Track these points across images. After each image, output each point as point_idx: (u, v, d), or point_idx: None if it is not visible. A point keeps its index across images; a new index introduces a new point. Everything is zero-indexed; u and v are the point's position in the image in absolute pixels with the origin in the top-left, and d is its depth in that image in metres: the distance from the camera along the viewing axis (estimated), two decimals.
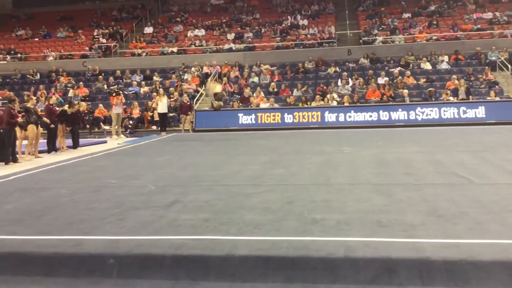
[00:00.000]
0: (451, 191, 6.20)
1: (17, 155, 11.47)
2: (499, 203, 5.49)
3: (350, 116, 18.35)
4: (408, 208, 5.43)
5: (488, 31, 23.62)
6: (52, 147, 13.05)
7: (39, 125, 12.16)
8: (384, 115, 18.16)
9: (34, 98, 13.68)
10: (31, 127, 11.69)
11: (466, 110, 17.71)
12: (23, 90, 21.88)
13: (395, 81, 20.44)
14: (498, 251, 3.95)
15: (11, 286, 4.07)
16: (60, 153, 12.99)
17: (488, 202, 5.59)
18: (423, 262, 3.85)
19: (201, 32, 27.02)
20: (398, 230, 4.59)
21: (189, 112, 18.68)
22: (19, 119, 11.35)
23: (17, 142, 11.72)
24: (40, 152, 12.50)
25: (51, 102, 13.53)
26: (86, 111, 16.81)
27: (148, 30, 28.16)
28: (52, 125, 12.90)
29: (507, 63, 20.90)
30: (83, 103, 16.62)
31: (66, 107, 14.08)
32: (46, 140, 13.15)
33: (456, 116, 17.68)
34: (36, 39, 29.02)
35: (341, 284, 3.80)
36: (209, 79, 22.31)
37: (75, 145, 14.14)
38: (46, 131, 13.12)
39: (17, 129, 11.53)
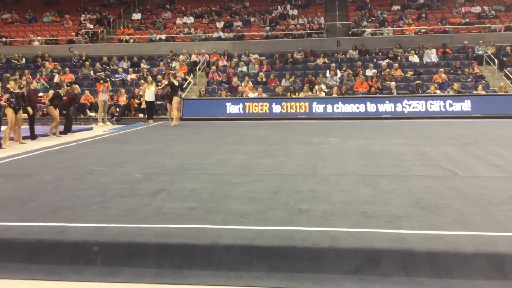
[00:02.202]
0: (436, 183, 6.26)
1: (2, 141, 11.32)
2: (484, 196, 5.55)
3: (337, 108, 18.39)
4: (393, 199, 5.47)
5: (476, 25, 23.77)
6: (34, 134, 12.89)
7: (20, 110, 11.92)
8: (371, 107, 18.24)
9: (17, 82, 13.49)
10: (10, 111, 11.44)
11: (452, 103, 17.86)
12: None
13: (383, 73, 20.51)
14: (482, 243, 3.99)
15: None
16: (40, 139, 12.84)
17: (472, 195, 5.64)
18: (407, 253, 3.89)
19: (190, 20, 26.79)
20: (382, 221, 4.62)
21: None
22: (2, 102, 11.14)
23: (2, 127, 11.57)
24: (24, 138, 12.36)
25: (31, 87, 13.28)
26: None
27: (136, 16, 27.85)
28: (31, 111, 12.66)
29: (494, 58, 21.07)
30: (77, 86, 16.45)
31: (61, 91, 14.06)
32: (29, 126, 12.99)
33: (443, 109, 17.82)
34: (22, 23, 28.54)
35: (326, 274, 3.82)
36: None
37: (68, 130, 14.06)
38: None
39: (9, 113, 11.39)
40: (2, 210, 5.27)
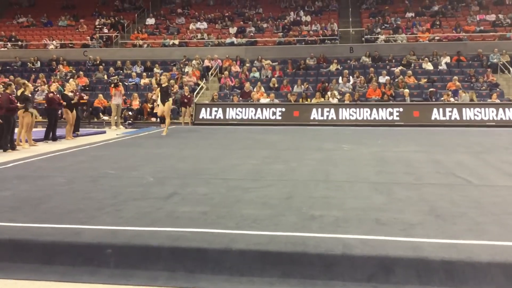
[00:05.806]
0: (450, 192, 6.20)
1: (16, 143, 11.44)
2: (498, 205, 5.49)
3: (350, 114, 18.32)
4: (406, 207, 5.43)
5: (491, 33, 23.59)
6: (47, 136, 13.00)
7: (33, 113, 12.11)
8: (384, 114, 18.13)
9: (31, 86, 13.68)
10: (27, 115, 11.63)
11: (466, 111, 17.70)
12: (23, 78, 21.81)
13: (396, 80, 20.41)
14: (496, 253, 3.94)
15: (8, 273, 4.06)
16: (52, 142, 12.97)
17: (487, 203, 5.58)
18: (421, 261, 3.85)
19: (203, 25, 26.94)
20: (396, 229, 4.58)
21: (189, 105, 18.68)
22: (18, 105, 11.28)
23: (17, 130, 11.69)
24: (37, 140, 12.50)
25: (51, 90, 13.49)
26: (76, 89, 16.12)
27: (150, 21, 28.06)
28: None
29: (508, 66, 20.89)
30: (72, 82, 16.18)
31: (66, 90, 14.20)
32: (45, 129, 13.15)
33: (458, 118, 17.66)
34: (37, 27, 28.90)
35: (338, 281, 3.80)
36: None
37: (76, 130, 14.19)
38: (46, 119, 13.11)
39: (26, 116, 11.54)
40: (17, 211, 5.32)
